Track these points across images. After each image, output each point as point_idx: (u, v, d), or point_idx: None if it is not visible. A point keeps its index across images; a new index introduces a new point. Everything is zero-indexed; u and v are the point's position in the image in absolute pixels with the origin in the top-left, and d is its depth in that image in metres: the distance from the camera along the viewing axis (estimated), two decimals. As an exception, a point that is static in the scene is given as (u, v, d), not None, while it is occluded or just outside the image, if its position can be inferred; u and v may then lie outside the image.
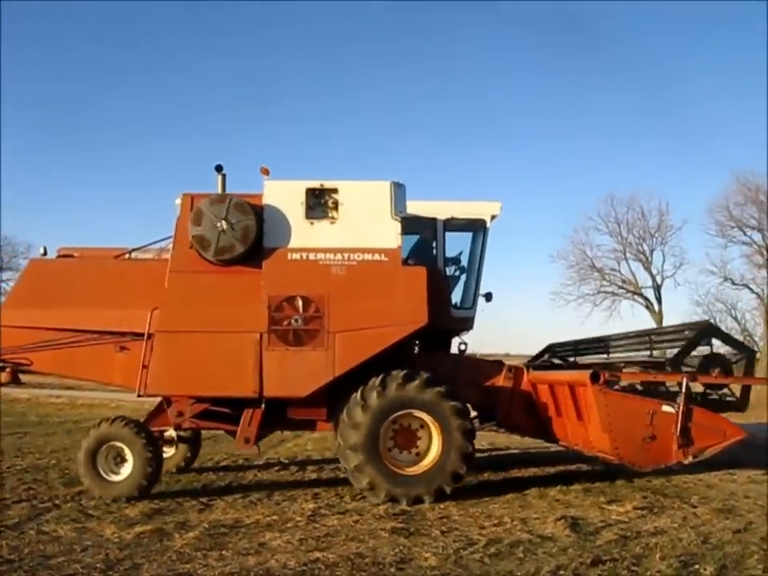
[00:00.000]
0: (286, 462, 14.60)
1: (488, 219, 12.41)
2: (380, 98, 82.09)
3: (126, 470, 10.67)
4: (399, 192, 11.24)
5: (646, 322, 51.89)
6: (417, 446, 10.91)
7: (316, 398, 10.92)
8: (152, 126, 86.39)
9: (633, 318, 54.91)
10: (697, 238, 78.16)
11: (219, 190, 11.23)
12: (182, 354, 10.73)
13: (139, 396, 10.95)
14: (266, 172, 11.15)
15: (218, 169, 11.32)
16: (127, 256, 11.90)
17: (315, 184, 11.16)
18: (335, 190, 11.15)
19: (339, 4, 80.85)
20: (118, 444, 10.69)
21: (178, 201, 11.52)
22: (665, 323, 50.41)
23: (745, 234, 47.82)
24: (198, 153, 73.97)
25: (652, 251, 53.21)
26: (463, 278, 12.62)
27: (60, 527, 8.87)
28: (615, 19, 77.47)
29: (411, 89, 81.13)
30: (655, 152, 74.20)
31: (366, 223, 11.06)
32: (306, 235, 11.00)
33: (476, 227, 12.49)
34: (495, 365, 12.57)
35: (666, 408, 10.37)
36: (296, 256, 10.94)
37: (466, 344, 12.57)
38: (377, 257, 10.98)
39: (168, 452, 12.98)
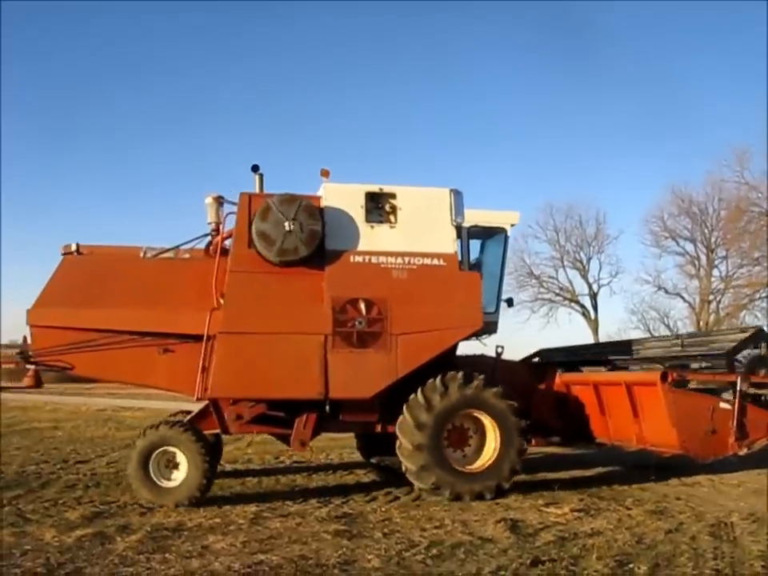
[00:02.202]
0: (227, 466, 14.52)
1: (508, 227, 13.09)
2: (375, 98, 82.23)
3: (180, 476, 10.44)
4: (458, 199, 11.47)
5: (582, 330, 52.83)
6: (469, 445, 11.49)
7: (370, 401, 11.08)
8: (152, 127, 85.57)
9: (569, 324, 55.86)
10: (632, 247, 79.80)
11: (257, 190, 11.28)
12: (247, 355, 10.64)
13: (198, 399, 10.86)
14: (326, 174, 11.26)
15: (255, 169, 11.36)
16: (141, 255, 11.69)
17: (374, 188, 11.34)
18: (393, 195, 11.35)
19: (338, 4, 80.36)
20: (172, 449, 10.46)
21: (209, 200, 11.64)
22: (600, 331, 51.43)
23: (678, 244, 49.07)
24: (193, 155, 73.69)
25: (589, 259, 54.18)
26: (486, 283, 12.79)
27: (-2, 532, 8.75)
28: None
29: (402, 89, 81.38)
30: (594, 163, 75.51)
31: (424, 228, 11.29)
32: (366, 238, 11.13)
33: (497, 234, 13.04)
34: (529, 367, 13.11)
35: (723, 404, 11.04)
36: (358, 259, 11.05)
37: (502, 347, 12.88)
38: (435, 261, 11.24)
39: None
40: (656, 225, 49.69)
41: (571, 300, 54.17)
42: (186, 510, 10.11)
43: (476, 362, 12.33)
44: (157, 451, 10.43)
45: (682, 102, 73.67)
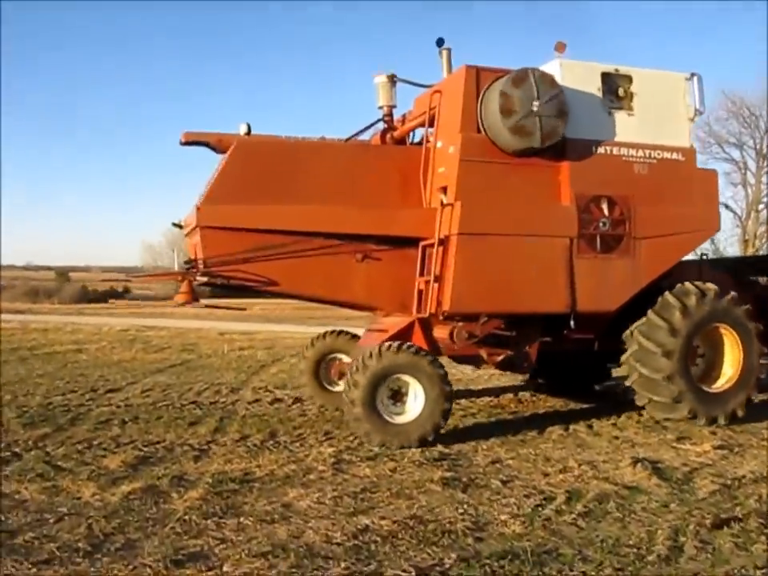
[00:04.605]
0: (277, 393, 12.75)
1: None
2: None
3: (412, 409, 8.65)
4: (701, 85, 10.10)
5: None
6: (696, 364, 10.11)
7: (609, 315, 9.73)
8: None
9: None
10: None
11: (444, 68, 10.08)
12: (490, 262, 8.98)
13: (431, 315, 9.06)
14: (561, 48, 9.46)
15: (439, 43, 10.00)
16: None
17: (609, 68, 9.80)
18: (629, 78, 9.85)
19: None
20: (405, 378, 8.61)
21: (382, 80, 10.19)
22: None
23: (724, 150, 46.43)
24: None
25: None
26: None
27: (24, 486, 6.88)
28: None
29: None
30: (634, 59, 72.52)
31: (662, 118, 9.93)
32: (606, 127, 9.65)
33: None
34: (731, 275, 11.53)
35: None
36: (600, 150, 9.56)
37: (706, 254, 11.97)
38: (675, 156, 9.89)
39: (341, 385, 10.72)
40: (702, 130, 46.92)
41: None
42: (248, 454, 8.31)
43: (681, 271, 10.68)
44: (386, 381, 8.57)
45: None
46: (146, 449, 8.51)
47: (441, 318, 9.17)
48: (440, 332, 9.41)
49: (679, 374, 9.51)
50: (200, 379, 14.40)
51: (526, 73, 8.88)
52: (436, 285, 8.94)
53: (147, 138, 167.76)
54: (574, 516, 6.19)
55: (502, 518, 6.13)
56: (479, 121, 9.17)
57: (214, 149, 9.82)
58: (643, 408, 10.67)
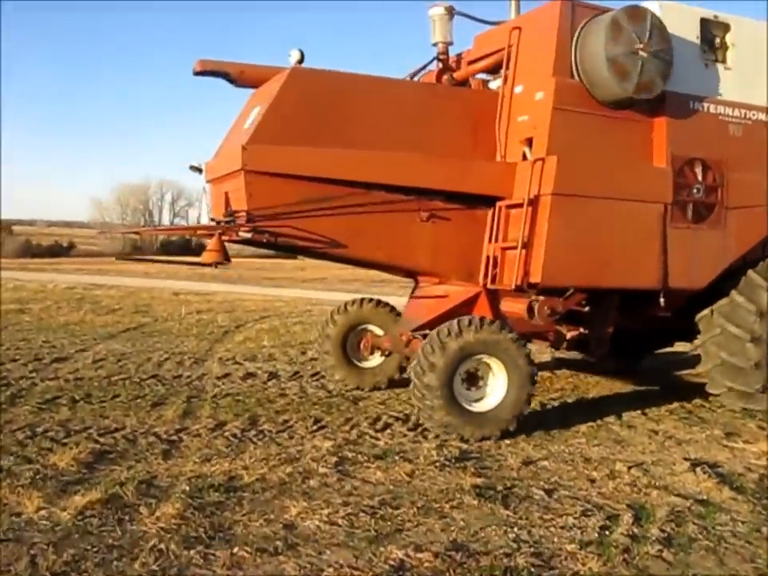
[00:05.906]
0: (248, 365, 11.27)
1: None
2: None
3: (493, 394, 7.48)
4: None
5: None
6: None
7: (685, 293, 8.63)
8: None
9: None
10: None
11: (513, 3, 8.99)
12: (585, 228, 7.80)
13: (518, 289, 7.67)
14: None
15: None
16: None
17: (708, 14, 8.58)
18: (728, 27, 8.66)
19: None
20: (487, 359, 7.40)
21: (439, 11, 8.71)
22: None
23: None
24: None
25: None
26: None
27: (-54, 496, 5.37)
28: None
29: None
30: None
31: (758, 74, 8.77)
32: (703, 80, 8.52)
33: None
34: None
35: None
36: (698, 107, 8.41)
37: None
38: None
39: (372, 360, 9.78)
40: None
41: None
42: (229, 449, 6.85)
43: None
44: (465, 363, 7.35)
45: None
46: (102, 439, 6.99)
47: (514, 290, 7.88)
48: (509, 306, 8.24)
49: (765, 340, 8.49)
50: (158, 347, 12.89)
51: (645, 12, 7.67)
52: (523, 252, 7.61)
53: (97, 91, 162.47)
54: (657, 547, 4.89)
55: (568, 547, 4.82)
56: (574, 64, 7.86)
57: (233, 81, 8.26)
58: (671, 395, 9.61)
